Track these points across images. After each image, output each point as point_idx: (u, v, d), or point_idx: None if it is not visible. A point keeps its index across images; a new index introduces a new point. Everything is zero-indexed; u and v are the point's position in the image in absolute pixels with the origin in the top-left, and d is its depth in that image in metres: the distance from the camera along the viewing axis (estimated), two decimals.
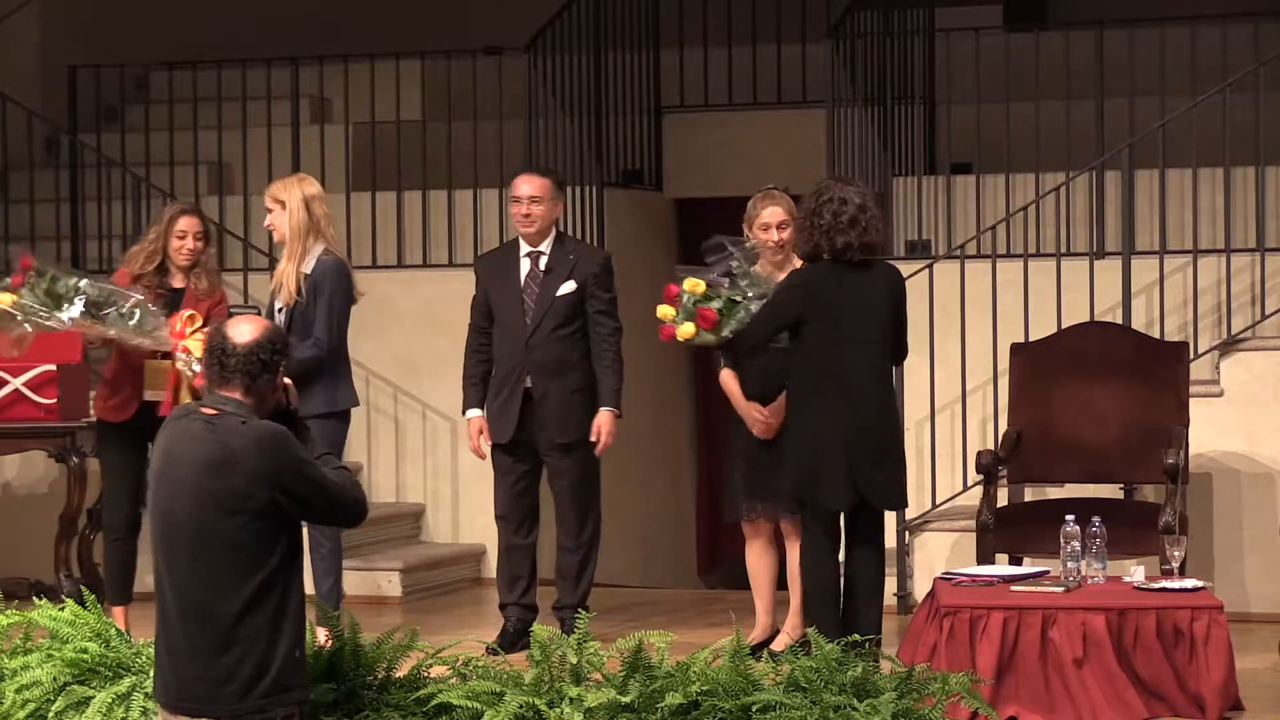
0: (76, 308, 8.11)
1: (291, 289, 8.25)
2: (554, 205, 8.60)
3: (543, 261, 8.56)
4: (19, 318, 8.10)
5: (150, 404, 8.42)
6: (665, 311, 8.07)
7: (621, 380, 8.54)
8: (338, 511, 6.02)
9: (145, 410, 8.44)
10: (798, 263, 8.10)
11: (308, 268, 8.28)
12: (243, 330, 5.99)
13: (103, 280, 8.30)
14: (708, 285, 8.01)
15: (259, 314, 6.69)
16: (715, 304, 8.00)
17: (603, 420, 8.49)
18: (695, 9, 12.41)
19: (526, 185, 8.58)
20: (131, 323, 8.14)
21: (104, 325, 8.16)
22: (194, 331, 8.14)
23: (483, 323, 8.65)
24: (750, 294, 7.98)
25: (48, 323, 8.14)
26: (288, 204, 8.29)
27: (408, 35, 12.38)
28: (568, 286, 8.51)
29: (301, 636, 5.97)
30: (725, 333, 8.01)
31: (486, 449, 8.60)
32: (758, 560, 8.41)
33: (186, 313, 8.21)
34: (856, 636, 6.95)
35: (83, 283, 8.18)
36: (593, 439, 8.49)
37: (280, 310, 8.30)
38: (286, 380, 6.11)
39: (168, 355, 8.24)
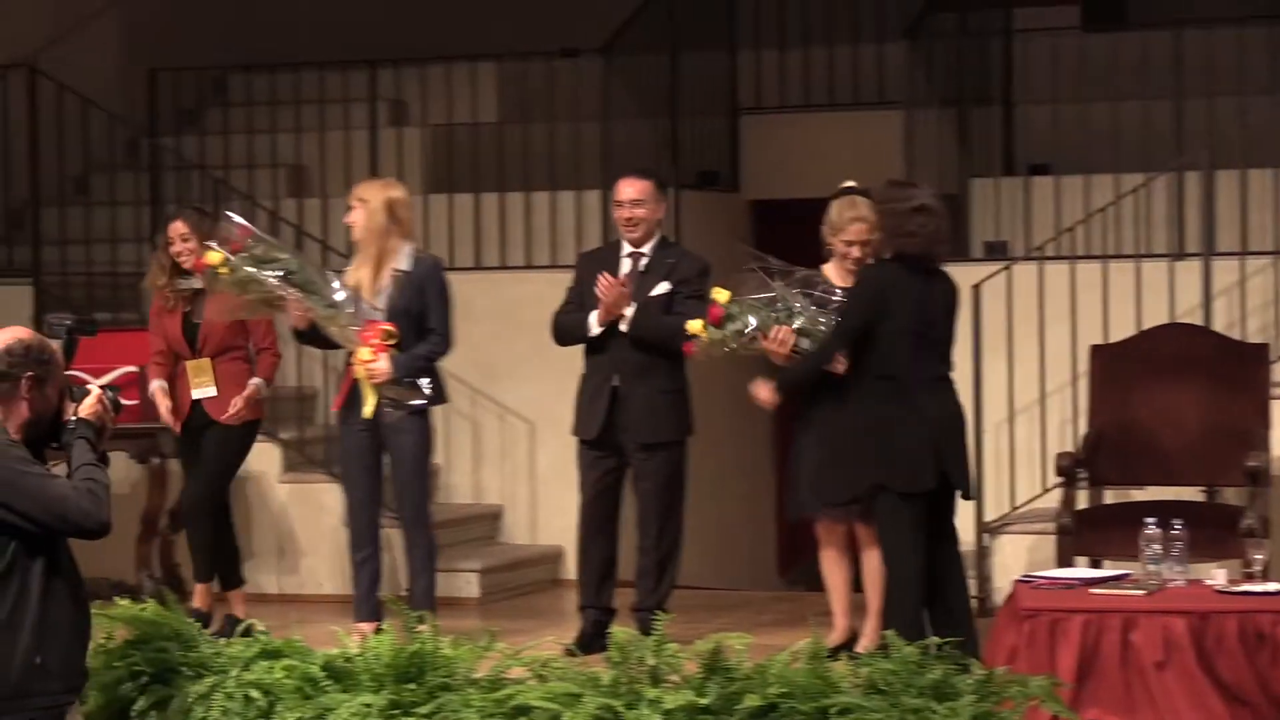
0: (274, 272, 8.28)
1: (376, 289, 8.33)
2: (657, 207, 8.62)
3: (643, 262, 8.58)
4: (229, 276, 8.28)
5: (199, 402, 8.91)
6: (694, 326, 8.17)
7: (670, 329, 8.34)
8: (65, 524, 5.97)
9: (195, 410, 8.93)
10: None
11: (405, 265, 8.36)
12: None
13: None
14: (733, 297, 8.07)
15: (71, 327, 6.64)
16: (732, 308, 8.06)
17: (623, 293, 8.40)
18: (772, 9, 12.40)
19: (629, 189, 8.58)
20: (329, 309, 8.29)
21: (309, 302, 8.32)
22: (383, 343, 8.27)
23: (574, 310, 8.63)
24: (772, 314, 8.03)
25: (258, 278, 8.29)
26: (370, 204, 8.37)
27: (484, 38, 12.41)
28: (661, 287, 8.52)
29: (44, 644, 5.96)
30: (727, 331, 8.04)
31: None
32: (832, 563, 8.40)
33: (386, 325, 8.31)
34: (934, 640, 6.92)
35: (292, 261, 8.37)
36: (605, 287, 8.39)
37: (378, 297, 8.36)
38: (94, 387, 6.13)
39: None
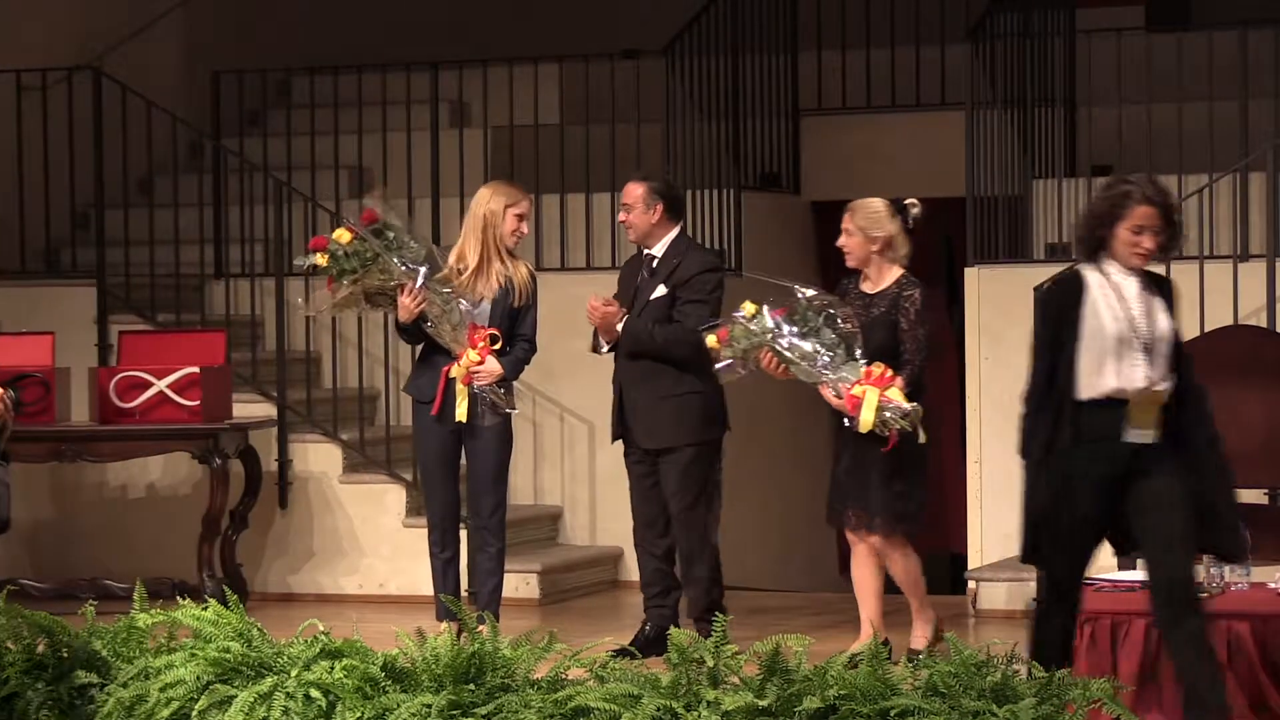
0: (400, 260, 8.27)
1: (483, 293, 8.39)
2: (648, 210, 8.53)
3: (654, 265, 8.57)
4: (346, 261, 8.25)
5: None
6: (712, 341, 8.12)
7: (663, 339, 8.37)
8: None
9: None
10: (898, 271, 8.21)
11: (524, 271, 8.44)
12: None
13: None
14: (757, 311, 8.00)
15: None
16: (735, 329, 7.99)
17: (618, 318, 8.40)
18: (833, 10, 12.38)
19: (624, 192, 8.59)
20: (447, 305, 8.29)
21: (430, 293, 8.29)
22: (488, 345, 8.29)
23: None
24: (764, 342, 7.97)
25: (383, 261, 8.25)
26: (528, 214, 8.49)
27: (546, 39, 12.43)
28: (659, 291, 8.49)
29: None
30: (726, 355, 7.98)
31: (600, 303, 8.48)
32: (858, 568, 8.34)
33: (490, 331, 8.33)
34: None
35: (420, 250, 8.34)
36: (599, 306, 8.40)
37: (479, 304, 8.37)
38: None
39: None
